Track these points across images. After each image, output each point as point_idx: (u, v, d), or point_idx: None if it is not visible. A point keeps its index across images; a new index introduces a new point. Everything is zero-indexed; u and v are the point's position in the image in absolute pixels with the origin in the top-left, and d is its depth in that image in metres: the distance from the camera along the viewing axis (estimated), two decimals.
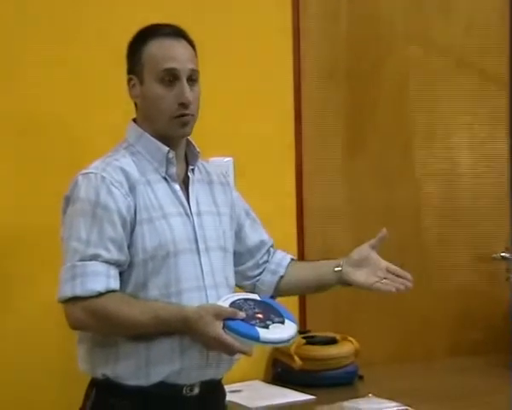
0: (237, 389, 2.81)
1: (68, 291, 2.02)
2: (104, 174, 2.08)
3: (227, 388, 2.33)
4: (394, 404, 2.57)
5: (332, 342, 3.07)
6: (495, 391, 2.86)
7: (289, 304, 2.22)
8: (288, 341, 2.03)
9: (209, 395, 2.18)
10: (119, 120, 2.31)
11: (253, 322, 1.99)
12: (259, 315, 2.02)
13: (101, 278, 2.01)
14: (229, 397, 2.39)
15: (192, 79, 2.15)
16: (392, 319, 3.41)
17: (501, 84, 3.59)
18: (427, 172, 3.50)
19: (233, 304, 2.03)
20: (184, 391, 2.12)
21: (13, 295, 2.68)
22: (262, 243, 2.38)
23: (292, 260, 2.40)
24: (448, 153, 3.55)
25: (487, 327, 3.52)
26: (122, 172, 2.10)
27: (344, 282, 2.27)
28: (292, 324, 2.05)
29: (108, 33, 2.74)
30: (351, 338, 3.07)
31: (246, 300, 2.08)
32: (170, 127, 2.15)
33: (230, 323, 1.97)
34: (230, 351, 2.00)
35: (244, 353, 2.01)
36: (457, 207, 3.55)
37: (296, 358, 2.96)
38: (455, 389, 2.95)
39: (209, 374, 2.16)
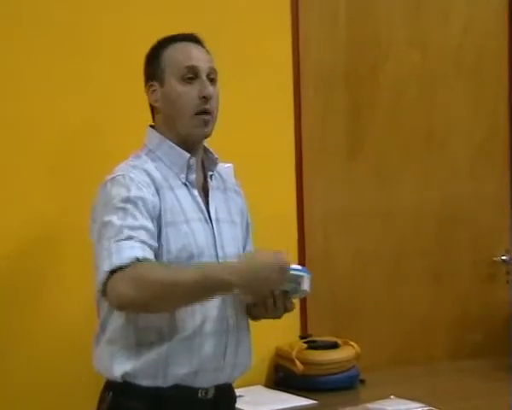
0: (239, 394, 2.75)
1: (106, 267, 1.98)
2: (132, 175, 2.09)
3: None
4: (418, 405, 2.58)
5: (333, 346, 3.07)
6: (495, 394, 2.87)
7: None
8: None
9: (222, 399, 2.20)
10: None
11: None
12: None
13: (137, 249, 1.99)
14: None
15: (211, 78, 2.19)
16: (392, 322, 3.42)
17: (500, 87, 3.61)
18: (426, 176, 3.51)
19: None
20: (200, 395, 2.14)
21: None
22: None
23: None
24: (447, 155, 3.55)
25: (487, 330, 3.54)
26: (147, 175, 2.12)
27: None
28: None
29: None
30: (352, 342, 3.06)
31: None
32: (191, 126, 2.16)
33: None
34: (279, 257, 2.00)
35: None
36: (457, 210, 3.56)
37: (298, 363, 2.95)
38: (455, 392, 2.95)
39: (223, 378, 2.17)
